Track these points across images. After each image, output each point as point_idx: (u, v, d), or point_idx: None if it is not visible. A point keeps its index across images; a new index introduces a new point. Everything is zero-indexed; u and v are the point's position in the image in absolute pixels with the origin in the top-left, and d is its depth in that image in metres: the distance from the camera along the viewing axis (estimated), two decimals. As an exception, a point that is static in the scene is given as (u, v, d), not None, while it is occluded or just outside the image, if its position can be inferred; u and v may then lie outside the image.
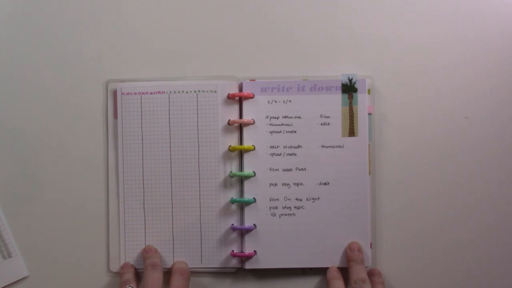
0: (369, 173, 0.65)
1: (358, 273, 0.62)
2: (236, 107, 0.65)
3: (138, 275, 0.65)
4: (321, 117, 0.65)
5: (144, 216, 0.65)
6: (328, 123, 0.65)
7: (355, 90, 0.65)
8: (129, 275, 0.63)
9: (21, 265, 0.66)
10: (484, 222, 0.66)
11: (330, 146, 0.65)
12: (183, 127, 0.65)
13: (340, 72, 0.65)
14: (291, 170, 0.65)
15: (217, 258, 0.65)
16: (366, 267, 0.64)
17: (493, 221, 0.66)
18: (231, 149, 0.65)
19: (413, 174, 0.66)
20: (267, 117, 0.65)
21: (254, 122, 0.65)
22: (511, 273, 0.66)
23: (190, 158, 0.65)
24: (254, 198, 0.65)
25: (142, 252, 0.65)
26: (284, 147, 0.65)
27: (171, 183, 0.65)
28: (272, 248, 0.65)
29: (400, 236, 0.66)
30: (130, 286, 0.62)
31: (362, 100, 0.65)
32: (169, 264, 0.65)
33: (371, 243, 0.65)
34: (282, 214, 0.65)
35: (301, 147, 0.65)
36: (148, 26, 0.67)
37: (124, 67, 0.67)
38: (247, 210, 0.65)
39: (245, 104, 0.65)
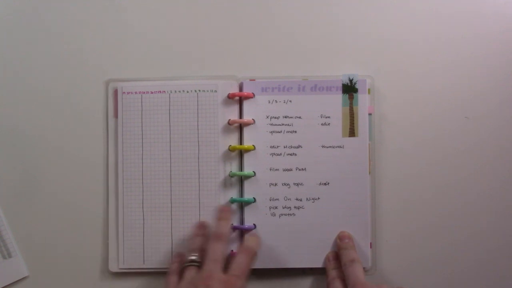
0: (369, 173, 0.65)
1: (348, 255, 0.61)
2: (236, 107, 0.65)
3: (140, 275, 0.65)
4: (321, 117, 0.65)
5: (143, 215, 0.65)
6: (329, 123, 0.65)
7: (356, 91, 0.65)
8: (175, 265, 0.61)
9: (21, 265, 0.66)
10: (484, 222, 0.66)
11: (330, 146, 0.65)
12: (183, 127, 0.65)
13: (340, 72, 0.65)
14: (291, 170, 0.65)
15: (217, 258, 0.65)
16: (364, 268, 0.64)
17: (493, 221, 0.66)
18: (231, 149, 0.65)
19: (413, 174, 0.66)
20: (267, 117, 0.65)
21: (254, 122, 0.65)
22: (511, 273, 0.66)
23: (190, 158, 0.65)
24: (254, 198, 0.65)
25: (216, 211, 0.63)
26: (284, 147, 0.65)
27: (171, 182, 0.65)
28: (272, 248, 0.65)
29: (400, 236, 0.66)
30: (194, 255, 0.59)
31: (363, 100, 0.65)
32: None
33: (371, 243, 0.65)
34: (282, 214, 0.65)
35: (301, 147, 0.65)
36: (148, 26, 0.67)
37: (124, 66, 0.67)
38: (247, 210, 0.65)
39: (245, 104, 0.65)
